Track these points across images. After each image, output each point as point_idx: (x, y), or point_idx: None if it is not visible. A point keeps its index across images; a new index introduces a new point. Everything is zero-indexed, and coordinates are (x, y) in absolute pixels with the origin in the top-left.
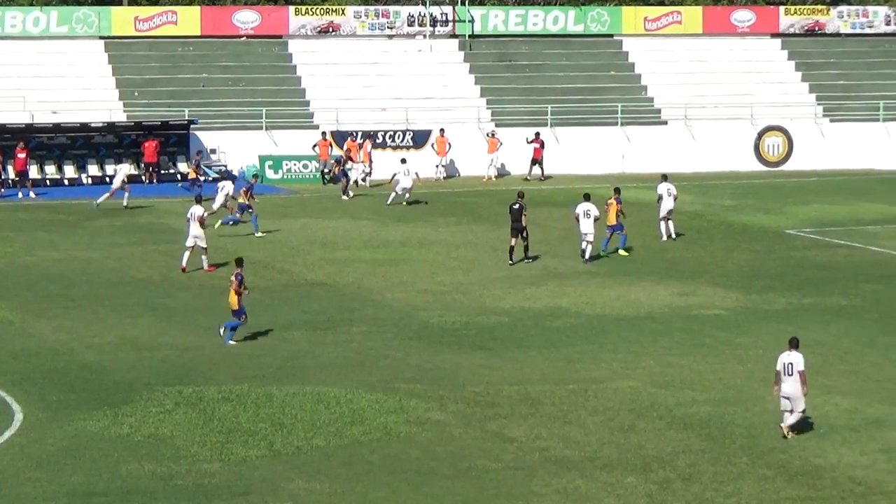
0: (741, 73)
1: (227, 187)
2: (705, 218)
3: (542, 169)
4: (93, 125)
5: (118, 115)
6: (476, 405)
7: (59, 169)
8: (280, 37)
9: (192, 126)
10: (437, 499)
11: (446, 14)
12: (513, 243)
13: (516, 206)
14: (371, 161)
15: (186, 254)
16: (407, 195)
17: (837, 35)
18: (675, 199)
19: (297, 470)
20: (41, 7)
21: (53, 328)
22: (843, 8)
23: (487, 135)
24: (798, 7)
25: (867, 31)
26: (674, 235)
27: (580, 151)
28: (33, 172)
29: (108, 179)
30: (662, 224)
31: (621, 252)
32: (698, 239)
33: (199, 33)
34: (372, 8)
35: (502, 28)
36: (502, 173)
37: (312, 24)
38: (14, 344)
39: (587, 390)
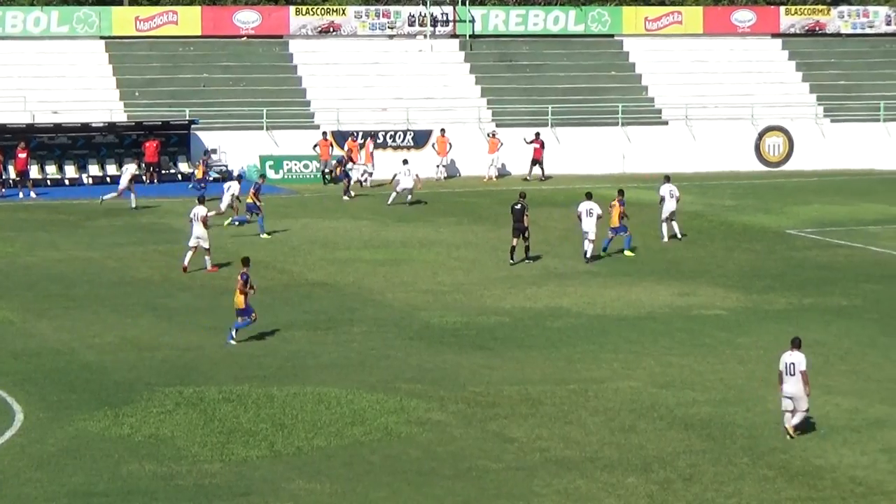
0: (742, 73)
1: (233, 187)
2: (706, 218)
3: (542, 169)
4: (94, 125)
5: (119, 115)
6: (477, 405)
7: (60, 169)
8: (281, 37)
9: (192, 126)
10: (437, 499)
11: (447, 14)
12: (514, 243)
13: (518, 207)
14: (373, 161)
15: (189, 254)
16: (409, 196)
17: (838, 35)
18: (678, 201)
19: (297, 470)
20: (42, 7)
21: (54, 328)
22: (844, 8)
23: (488, 135)
24: (799, 7)
25: (868, 31)
26: (679, 235)
27: (581, 152)
28: (34, 172)
29: (109, 179)
30: (664, 225)
31: (627, 253)
32: (699, 239)
33: (199, 33)
34: (372, 8)
35: (503, 28)
36: (503, 173)
37: (313, 24)
38: (15, 344)
39: (588, 390)
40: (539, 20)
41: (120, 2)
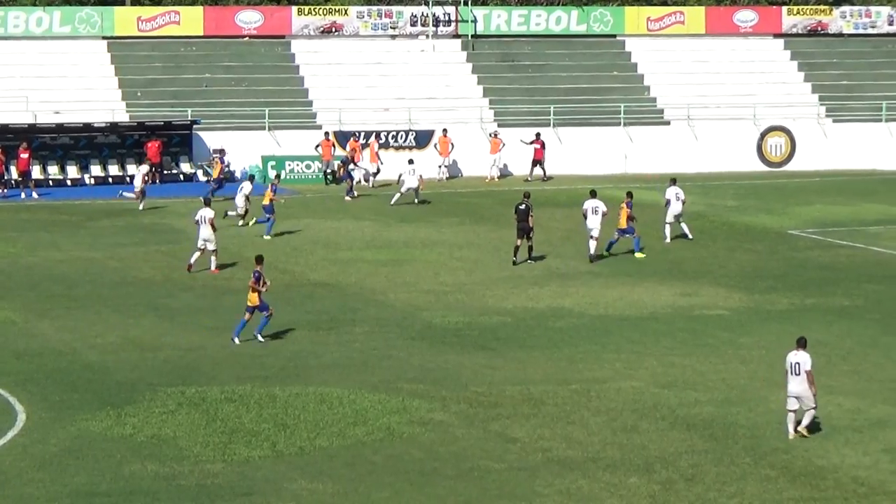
0: (744, 73)
1: (245, 188)
2: (708, 218)
3: (543, 169)
4: (96, 125)
5: (121, 115)
6: (479, 405)
7: (62, 169)
8: (283, 37)
9: (194, 126)
10: (439, 499)
11: (449, 14)
12: (518, 244)
13: (523, 207)
14: (379, 160)
15: (196, 254)
16: (416, 196)
17: (840, 35)
18: (684, 204)
19: (299, 470)
20: (44, 7)
21: (56, 328)
22: (846, 8)
23: (490, 135)
24: (801, 7)
25: (870, 31)
26: (689, 236)
27: (583, 152)
28: (36, 173)
29: (111, 180)
30: (668, 227)
31: (637, 255)
32: (701, 239)
33: (201, 33)
34: (375, 8)
35: (505, 28)
36: (505, 174)
37: (315, 24)
38: (17, 344)
39: (590, 391)
40: (541, 20)
41: (122, 2)
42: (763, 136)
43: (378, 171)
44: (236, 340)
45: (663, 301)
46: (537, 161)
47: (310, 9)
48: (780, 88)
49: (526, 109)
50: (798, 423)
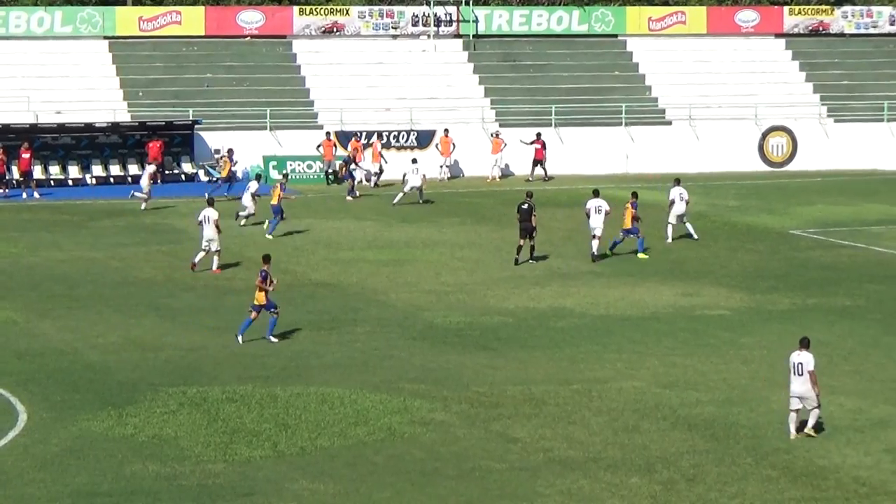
0: (745, 73)
1: (252, 186)
2: (709, 218)
3: (544, 169)
4: (97, 125)
5: (122, 115)
6: (480, 405)
7: (64, 169)
8: (284, 37)
9: (196, 126)
10: (441, 499)
11: (450, 14)
12: (521, 243)
13: (525, 206)
14: (382, 159)
15: (201, 254)
16: (419, 196)
17: (842, 35)
18: (688, 204)
19: (301, 470)
20: (45, 7)
21: (57, 328)
22: (848, 8)
23: (492, 135)
24: (802, 7)
25: (871, 31)
26: (695, 236)
27: (584, 152)
28: (37, 173)
29: (112, 180)
30: (670, 227)
31: (640, 255)
32: (702, 239)
33: (203, 33)
34: (376, 8)
35: (506, 28)
36: (506, 174)
37: (316, 24)
38: (18, 344)
39: (591, 391)
40: (542, 20)
41: (123, 2)
42: (764, 136)
43: (381, 170)
44: (240, 339)
45: (665, 301)
46: (538, 161)
47: (311, 9)
48: (781, 88)
49: (527, 109)
50: (803, 423)
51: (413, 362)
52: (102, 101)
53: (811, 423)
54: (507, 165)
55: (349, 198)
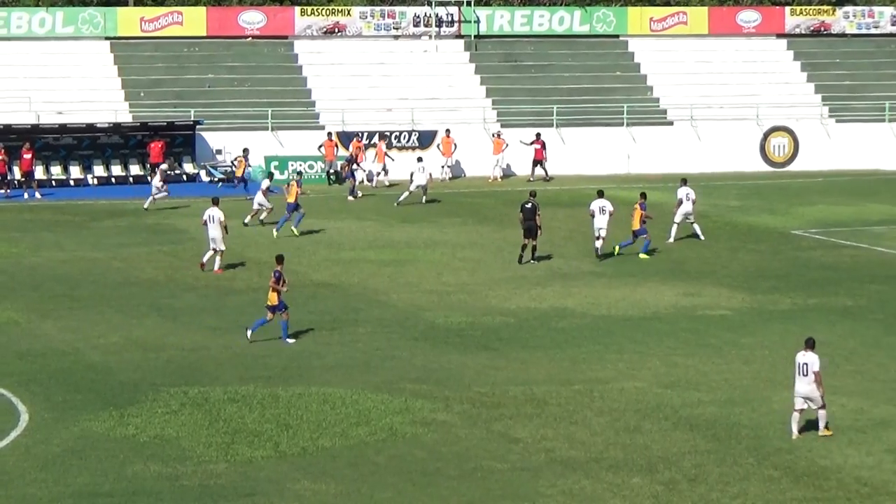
0: (747, 73)
1: (264, 185)
2: (711, 218)
3: (545, 170)
4: (98, 126)
5: (124, 115)
6: (481, 406)
7: (65, 170)
8: (286, 37)
9: (197, 127)
10: (442, 499)
11: (452, 14)
12: (525, 243)
13: (529, 206)
14: (387, 158)
15: (209, 253)
16: (423, 194)
17: (843, 35)
18: (694, 204)
19: (302, 471)
20: (47, 8)
21: (59, 329)
22: (849, 8)
23: (493, 135)
24: (804, 7)
25: (873, 31)
26: (702, 237)
27: (585, 152)
28: (39, 173)
29: (114, 180)
30: (675, 227)
31: (642, 256)
32: (704, 239)
33: (204, 34)
34: (378, 8)
35: (508, 28)
36: (508, 174)
37: (318, 24)
38: (20, 344)
39: (593, 391)
40: (544, 20)
41: (125, 2)
42: (766, 136)
43: (385, 171)
44: (249, 334)
45: (666, 301)
46: (538, 161)
47: (313, 9)
48: (783, 89)
49: (529, 110)
50: (809, 424)
51: (414, 362)
52: (104, 102)
53: (822, 424)
54: (508, 166)
55: (350, 198)
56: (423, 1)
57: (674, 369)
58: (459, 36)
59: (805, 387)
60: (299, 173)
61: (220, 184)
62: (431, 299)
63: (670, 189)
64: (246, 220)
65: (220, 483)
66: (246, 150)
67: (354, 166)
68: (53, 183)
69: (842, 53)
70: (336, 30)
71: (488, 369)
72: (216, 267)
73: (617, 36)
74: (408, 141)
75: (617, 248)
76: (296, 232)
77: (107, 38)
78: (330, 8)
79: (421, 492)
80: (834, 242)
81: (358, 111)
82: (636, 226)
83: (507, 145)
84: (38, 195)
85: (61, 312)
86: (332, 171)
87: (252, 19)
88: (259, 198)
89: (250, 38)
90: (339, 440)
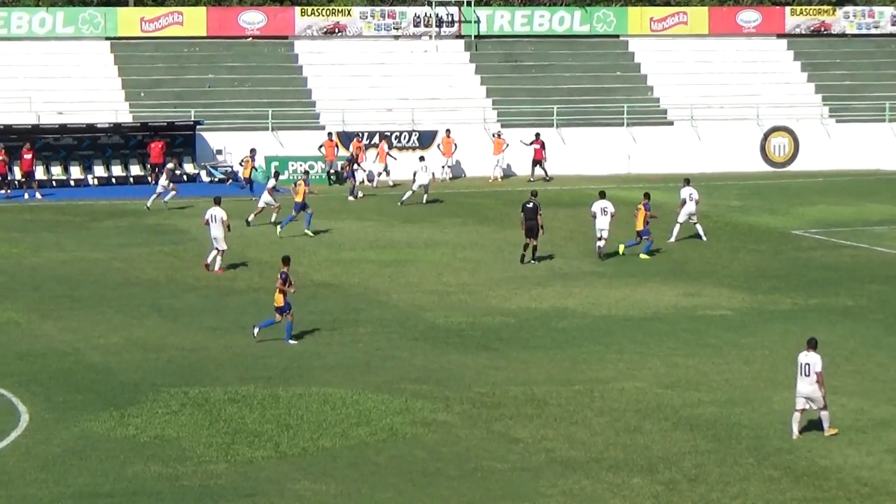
0: (747, 73)
1: (270, 183)
2: (711, 218)
3: (544, 170)
4: (99, 126)
5: (124, 115)
6: (482, 406)
7: (66, 170)
8: (286, 37)
9: (198, 127)
10: (443, 500)
11: (452, 15)
12: (528, 242)
13: (531, 205)
14: (390, 157)
15: (213, 253)
16: (425, 194)
17: (843, 35)
18: (697, 204)
19: (303, 471)
20: (47, 8)
21: (59, 329)
22: (849, 8)
23: (493, 135)
24: (804, 7)
25: (873, 31)
26: (704, 238)
27: (586, 152)
28: (39, 173)
29: (114, 180)
30: (677, 226)
31: (642, 256)
32: (706, 240)
33: (205, 34)
34: (378, 9)
35: (508, 28)
36: (508, 174)
37: (318, 24)
38: (20, 345)
39: (593, 391)
40: (544, 20)
41: (125, 2)
42: (766, 136)
43: (387, 171)
44: (256, 331)
45: (666, 301)
46: (537, 161)
47: (313, 9)
48: (783, 89)
49: (529, 110)
50: (811, 424)
51: (415, 363)
52: (104, 102)
53: (826, 425)
54: (508, 166)
55: (351, 198)
56: (424, 1)
57: (674, 369)
58: (460, 36)
59: (807, 387)
60: (306, 172)
61: (230, 182)
62: (432, 299)
63: (671, 189)
64: (249, 219)
65: (221, 483)
66: (253, 151)
67: (355, 166)
68: (54, 183)
69: (842, 53)
70: (336, 30)
71: (488, 369)
72: (217, 267)
73: (617, 36)
74: (408, 141)
75: (622, 247)
76: (310, 233)
77: (107, 39)
78: (330, 8)
79: (421, 492)
80: (834, 242)
81: (358, 111)
82: (640, 226)
83: (507, 145)
84: (38, 195)
85: (62, 313)
86: (332, 171)
87: (252, 19)
88: (266, 197)
89: (250, 39)
90: (339, 440)
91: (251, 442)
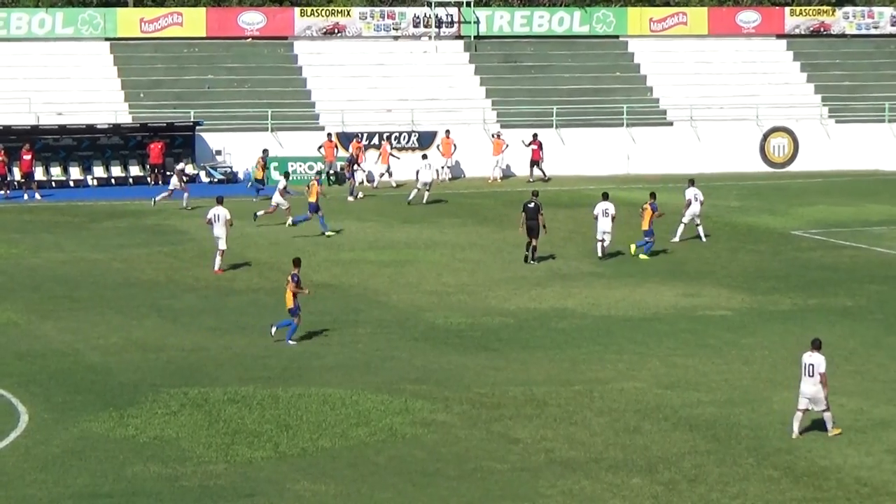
0: (746, 74)
1: (281, 182)
2: (711, 219)
3: (542, 170)
4: (98, 127)
5: (124, 116)
6: (481, 406)
7: (65, 170)
8: (285, 38)
9: (197, 127)
10: (442, 500)
11: (451, 15)
12: (529, 241)
13: (532, 205)
14: (392, 157)
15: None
16: (427, 193)
17: (843, 36)
18: (702, 205)
19: (302, 471)
20: (47, 9)
21: (59, 329)
22: (849, 9)
23: (493, 136)
24: (803, 8)
25: (872, 31)
26: (704, 239)
27: (585, 152)
28: (39, 174)
29: (114, 181)
30: (681, 226)
31: (642, 256)
32: (706, 241)
33: (204, 35)
34: (377, 9)
35: (507, 29)
36: (507, 175)
37: (318, 25)
38: (20, 345)
39: (593, 391)
40: (544, 21)
41: (125, 3)
42: (766, 136)
43: (390, 172)
44: (273, 331)
45: (666, 302)
46: (535, 162)
47: (312, 10)
48: (782, 89)
49: (528, 110)
50: (818, 424)
51: (414, 363)
52: (104, 103)
53: (829, 425)
54: (508, 166)
55: (350, 198)
56: (423, 2)
57: (674, 370)
58: (459, 37)
59: (810, 388)
60: (319, 173)
61: (249, 184)
62: (431, 300)
63: (670, 189)
64: (258, 213)
65: (220, 484)
66: (265, 152)
67: (354, 167)
68: (53, 184)
69: (842, 54)
70: (336, 30)
71: (488, 370)
72: (216, 267)
73: (617, 36)
74: (408, 142)
75: (633, 247)
76: (330, 233)
77: (106, 39)
78: (330, 9)
79: (421, 492)
80: (834, 243)
81: (358, 112)
82: (646, 226)
83: (506, 146)
84: (37, 196)
85: (61, 313)
86: (332, 171)
87: (252, 20)
88: (276, 197)
89: (250, 39)
90: (338, 441)
91: (251, 442)
